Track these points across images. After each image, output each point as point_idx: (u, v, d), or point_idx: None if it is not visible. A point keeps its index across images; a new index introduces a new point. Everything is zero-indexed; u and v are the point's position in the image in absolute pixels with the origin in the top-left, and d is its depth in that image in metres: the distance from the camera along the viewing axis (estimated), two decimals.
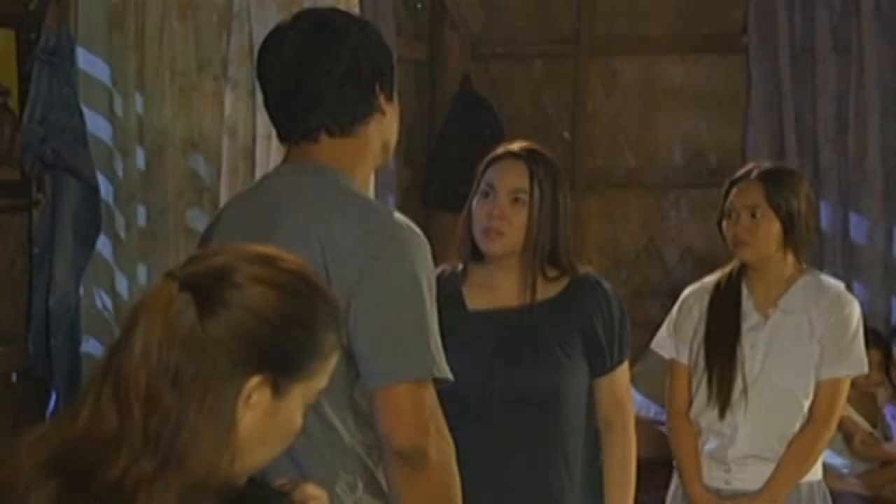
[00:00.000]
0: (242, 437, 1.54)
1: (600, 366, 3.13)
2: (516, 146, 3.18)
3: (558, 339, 3.08)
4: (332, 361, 1.63)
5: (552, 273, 3.12)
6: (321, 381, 1.62)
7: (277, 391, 1.56)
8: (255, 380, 1.54)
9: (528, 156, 3.13)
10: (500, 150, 3.18)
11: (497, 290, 3.14)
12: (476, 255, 3.17)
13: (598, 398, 3.16)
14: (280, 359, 1.56)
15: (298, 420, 1.62)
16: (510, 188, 3.09)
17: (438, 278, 3.14)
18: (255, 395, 1.54)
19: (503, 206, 3.08)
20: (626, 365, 3.18)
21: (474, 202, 3.15)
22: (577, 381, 3.10)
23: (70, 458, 1.50)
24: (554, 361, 3.06)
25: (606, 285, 3.16)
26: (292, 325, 1.56)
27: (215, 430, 1.50)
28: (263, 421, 1.56)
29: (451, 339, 3.06)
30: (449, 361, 3.01)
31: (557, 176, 3.14)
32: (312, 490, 1.67)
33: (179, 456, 1.48)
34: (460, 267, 3.19)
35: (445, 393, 3.04)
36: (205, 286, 1.52)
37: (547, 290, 3.11)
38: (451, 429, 3.05)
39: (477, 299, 3.15)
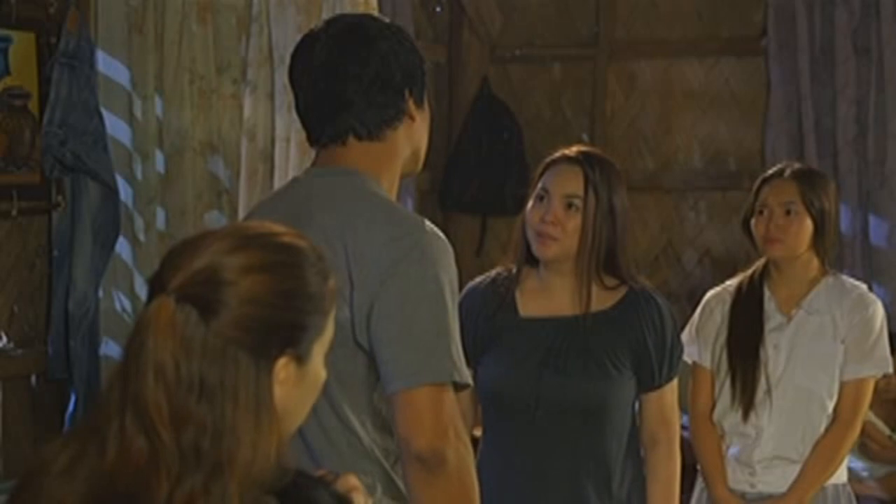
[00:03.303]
0: (280, 411, 1.56)
1: (649, 382, 3.10)
2: (573, 150, 3.12)
3: (608, 351, 3.04)
4: (335, 308, 1.66)
5: (610, 282, 3.09)
6: (331, 329, 1.66)
7: (301, 360, 1.59)
8: (281, 361, 1.56)
9: (584, 160, 3.07)
10: (557, 153, 3.13)
11: (551, 297, 3.11)
12: (531, 259, 3.13)
13: (644, 414, 3.14)
14: (295, 332, 1.58)
15: (323, 372, 1.66)
16: (564, 193, 3.05)
17: (493, 281, 3.15)
18: (283, 373, 1.57)
19: (556, 210, 3.04)
20: (674, 382, 3.15)
21: (529, 205, 3.11)
22: (623, 394, 3.07)
23: (110, 493, 1.50)
24: (603, 373, 3.03)
25: (661, 301, 3.13)
26: (294, 298, 1.58)
27: (258, 421, 1.52)
28: (295, 389, 1.59)
29: (502, 343, 3.08)
30: (498, 365, 3.03)
31: (615, 181, 3.08)
32: (354, 481, 1.70)
33: (228, 460, 1.49)
34: (514, 270, 3.16)
35: (493, 395, 3.06)
36: (200, 293, 1.52)
37: (602, 300, 3.08)
38: (495, 431, 3.06)
39: (530, 305, 3.12)
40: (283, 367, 1.56)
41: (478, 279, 3.20)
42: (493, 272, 3.21)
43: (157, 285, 1.55)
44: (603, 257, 3.06)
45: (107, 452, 1.51)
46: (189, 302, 1.51)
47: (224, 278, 1.53)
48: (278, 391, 1.56)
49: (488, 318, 3.09)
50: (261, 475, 1.51)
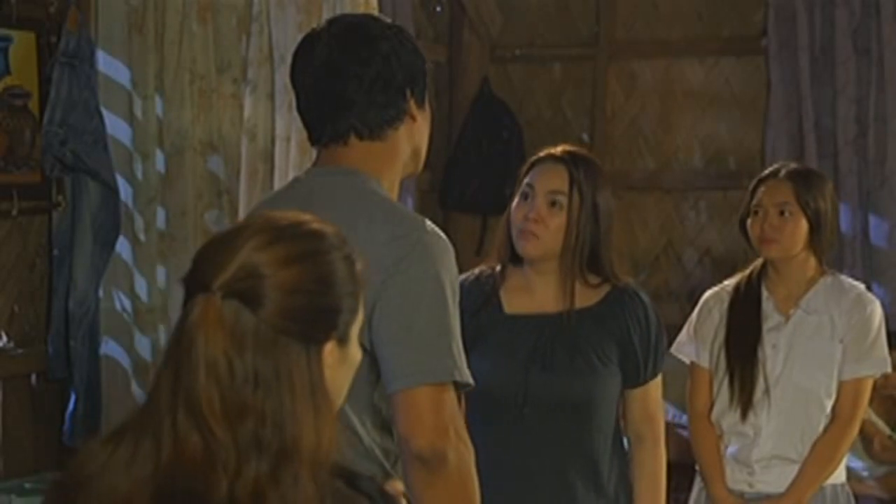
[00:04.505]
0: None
1: (634, 378, 3.11)
2: (559, 149, 3.14)
3: (595, 346, 3.06)
4: (365, 289, 1.69)
5: (594, 280, 3.10)
6: (362, 311, 1.69)
7: (342, 342, 1.63)
8: (328, 346, 1.60)
9: (569, 159, 3.09)
10: (543, 152, 3.15)
11: (534, 294, 3.12)
12: (515, 257, 3.14)
13: (630, 410, 3.15)
14: (335, 315, 1.61)
15: (359, 353, 1.69)
16: (548, 190, 3.07)
17: (477, 279, 3.16)
18: (330, 357, 1.60)
19: (540, 208, 3.06)
20: (659, 378, 3.17)
21: (514, 203, 3.13)
22: (610, 390, 3.08)
23: (172, 489, 1.52)
24: (590, 368, 3.05)
25: (645, 298, 3.14)
26: (329, 283, 1.61)
27: (316, 407, 1.55)
28: (338, 372, 1.63)
29: (488, 340, 3.08)
30: (484, 363, 3.02)
31: (599, 180, 3.10)
32: (402, 487, 1.74)
33: (294, 447, 1.51)
34: (499, 268, 3.17)
35: (479, 393, 3.05)
36: (243, 289, 1.55)
37: (586, 298, 3.09)
38: (481, 429, 3.07)
39: (514, 302, 3.13)
40: (329, 352, 1.60)
41: (461, 277, 3.21)
42: (476, 270, 3.22)
43: (195, 285, 1.57)
44: (586, 256, 3.07)
45: (161, 450, 1.53)
46: (235, 297, 1.54)
47: (261, 273, 1.56)
48: (327, 374, 1.59)
49: (472, 316, 3.09)
50: (328, 459, 1.54)
